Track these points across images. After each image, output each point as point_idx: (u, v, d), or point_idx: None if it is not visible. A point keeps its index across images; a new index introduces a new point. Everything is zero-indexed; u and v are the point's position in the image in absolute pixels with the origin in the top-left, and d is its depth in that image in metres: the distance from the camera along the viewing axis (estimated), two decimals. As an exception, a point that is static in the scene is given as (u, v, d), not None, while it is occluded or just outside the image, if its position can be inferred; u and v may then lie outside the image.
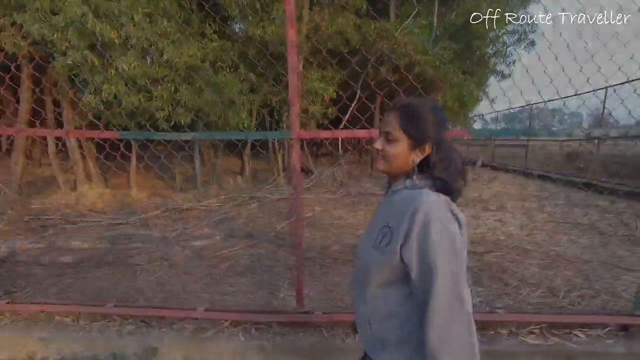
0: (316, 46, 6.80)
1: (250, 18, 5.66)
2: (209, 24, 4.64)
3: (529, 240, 3.91)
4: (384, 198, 0.98)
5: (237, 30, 6.37)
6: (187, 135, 1.83)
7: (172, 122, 4.39)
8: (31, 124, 5.58)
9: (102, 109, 3.65)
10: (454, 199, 0.85)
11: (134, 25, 3.40)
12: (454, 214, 0.81)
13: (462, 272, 0.78)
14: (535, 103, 8.90)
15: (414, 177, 0.87)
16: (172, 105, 4.23)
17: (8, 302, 1.97)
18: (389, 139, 0.89)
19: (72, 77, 3.55)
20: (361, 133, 1.74)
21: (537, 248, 3.65)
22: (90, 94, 3.54)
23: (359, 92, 7.29)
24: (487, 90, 9.53)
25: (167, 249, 3.41)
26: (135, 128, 4.16)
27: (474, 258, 3.42)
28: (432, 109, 0.88)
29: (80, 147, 5.95)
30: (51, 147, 6.12)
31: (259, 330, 1.89)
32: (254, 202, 6.28)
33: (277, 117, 8.08)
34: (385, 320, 0.86)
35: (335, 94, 7.27)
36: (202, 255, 3.59)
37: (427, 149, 0.87)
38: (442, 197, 0.83)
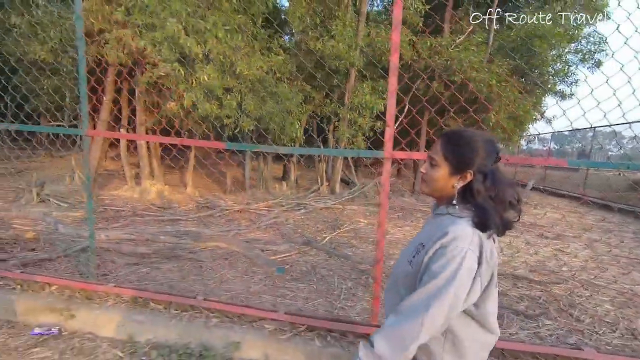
0: (370, 60, 6.94)
1: (310, 33, 5.93)
2: (276, 39, 4.93)
3: (597, 274, 3.66)
4: (429, 218, 1.03)
5: (296, 44, 6.68)
6: (288, 149, 1.99)
7: (238, 129, 4.70)
8: (108, 126, 6.24)
9: (182, 115, 4.03)
10: (495, 232, 0.88)
11: (216, 41, 3.74)
12: (480, 250, 0.84)
13: (448, 299, 0.81)
14: (599, 126, 8.32)
15: (454, 203, 0.91)
16: (237, 113, 4.53)
17: (115, 286, 2.23)
18: (432, 163, 0.95)
19: (160, 86, 3.98)
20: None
21: (609, 284, 3.41)
22: (173, 101, 3.92)
23: (407, 105, 7.29)
24: (544, 109, 9.08)
25: (250, 253, 3.61)
26: (205, 133, 4.52)
27: (538, 288, 3.28)
28: (477, 139, 0.91)
29: (148, 146, 6.51)
30: (123, 145, 6.75)
31: (334, 338, 1.98)
32: (300, 209, 6.47)
33: (324, 128, 8.28)
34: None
35: (383, 107, 7.34)
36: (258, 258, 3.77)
37: (469, 177, 0.90)
38: (476, 232, 0.86)
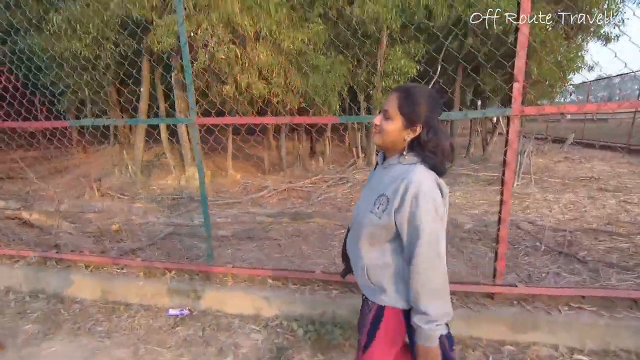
0: (403, 21, 6.58)
1: (342, -2, 5.63)
2: (316, 7, 4.72)
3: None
4: (377, 169, 1.14)
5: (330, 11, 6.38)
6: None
7: (287, 107, 4.66)
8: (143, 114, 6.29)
9: (238, 97, 4.00)
10: (439, 174, 0.99)
11: (267, 17, 3.62)
12: (439, 186, 0.96)
13: (442, 233, 0.95)
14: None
15: (405, 153, 1.01)
16: (284, 90, 4.46)
17: (234, 267, 2.34)
18: (386, 116, 1.02)
19: (212, 69, 3.92)
20: (591, 107, 1.71)
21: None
22: (227, 84, 3.89)
23: (440, 67, 6.99)
24: (585, 57, 8.50)
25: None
26: (254, 114, 4.48)
27: (621, 240, 3.24)
28: (427, 95, 1.00)
29: (188, 134, 6.56)
30: (164, 134, 6.83)
31: (460, 299, 2.03)
32: (344, 183, 6.50)
33: (357, 98, 8.09)
34: (382, 270, 1.04)
35: (416, 71, 7.06)
36: (324, 232, 3.86)
37: (418, 130, 0.99)
38: (431, 173, 0.97)
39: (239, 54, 3.66)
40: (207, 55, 3.65)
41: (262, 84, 4.03)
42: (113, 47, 5.13)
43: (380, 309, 1.05)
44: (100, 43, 5.07)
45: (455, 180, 6.61)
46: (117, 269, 2.59)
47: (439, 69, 7.05)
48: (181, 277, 2.45)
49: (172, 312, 2.24)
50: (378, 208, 0.99)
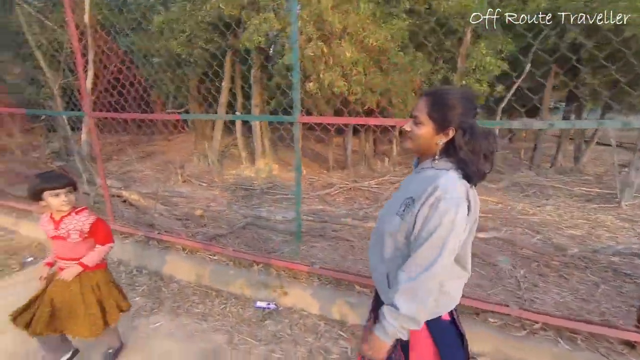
0: (492, 15, 5.99)
1: (428, -9, 5.30)
2: (402, 2, 4.51)
3: None
4: (411, 175, 1.09)
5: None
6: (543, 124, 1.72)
7: (366, 106, 4.55)
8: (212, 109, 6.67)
9: (320, 95, 4.02)
10: (474, 183, 0.95)
11: (354, 14, 3.55)
12: (467, 200, 0.92)
13: (451, 247, 0.90)
14: None
15: (437, 158, 0.97)
16: (363, 89, 4.34)
17: (321, 267, 2.32)
18: (416, 122, 0.99)
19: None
20: None
21: None
22: (310, 82, 3.93)
23: (529, 65, 6.23)
24: None
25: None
26: (330, 113, 4.49)
27: None
28: (459, 97, 0.94)
29: (260, 126, 6.82)
30: (239, 127, 7.20)
31: (586, 341, 1.74)
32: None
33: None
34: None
35: (499, 69, 6.39)
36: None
37: (451, 133, 0.95)
38: (463, 182, 0.93)
39: (325, 51, 3.65)
40: (302, 52, 3.70)
41: (342, 81, 3.97)
42: (203, 44, 5.50)
43: None
44: (192, 41, 5.47)
45: (541, 192, 5.90)
46: (210, 255, 2.76)
47: (527, 68, 6.33)
48: (268, 271, 2.51)
49: (259, 304, 2.30)
50: (403, 210, 0.97)
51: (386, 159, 7.90)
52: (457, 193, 0.90)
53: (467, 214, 0.92)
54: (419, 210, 0.92)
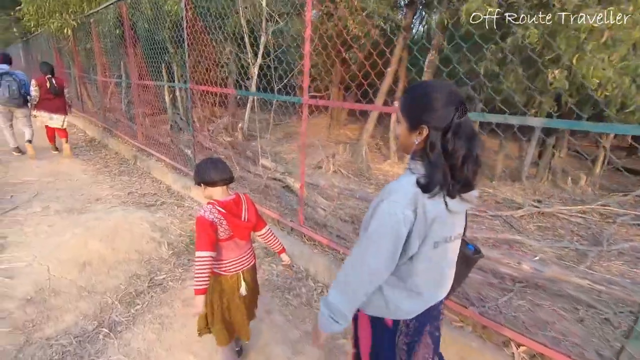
0: None
1: None
2: None
3: None
4: None
5: None
6: None
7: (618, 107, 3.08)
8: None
9: (567, 87, 2.81)
10: (431, 190, 0.85)
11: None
12: (415, 207, 0.86)
13: (375, 251, 0.89)
14: None
15: (410, 158, 0.94)
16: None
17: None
18: (398, 120, 0.97)
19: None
20: None
21: None
22: (558, 69, 2.75)
23: None
24: None
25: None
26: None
27: None
28: (432, 91, 0.87)
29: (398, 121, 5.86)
30: (393, 119, 6.43)
31: None
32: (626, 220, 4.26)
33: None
34: None
35: None
36: None
37: (424, 132, 0.88)
38: (413, 188, 0.87)
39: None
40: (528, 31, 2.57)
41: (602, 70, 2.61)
42: (382, 22, 4.82)
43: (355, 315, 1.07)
44: (370, 17, 4.85)
45: None
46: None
47: None
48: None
49: None
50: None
51: (583, 177, 5.84)
52: (401, 197, 0.86)
53: (414, 221, 0.86)
54: (371, 207, 0.93)
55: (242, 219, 1.43)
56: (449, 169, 0.84)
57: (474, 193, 0.95)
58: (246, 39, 4.89)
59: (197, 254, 1.31)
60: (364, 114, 7.62)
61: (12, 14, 9.31)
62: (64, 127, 5.35)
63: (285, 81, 5.27)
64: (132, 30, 4.91)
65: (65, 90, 5.28)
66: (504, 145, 6.40)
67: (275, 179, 4.70)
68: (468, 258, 1.08)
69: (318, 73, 6.84)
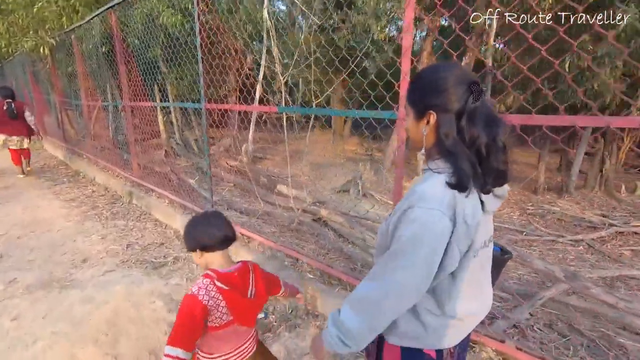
0: None
1: None
2: None
3: None
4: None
5: None
6: None
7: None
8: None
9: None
10: (464, 187, 0.70)
11: None
12: (453, 213, 0.71)
13: (410, 263, 0.72)
14: None
15: (424, 152, 0.81)
16: None
17: None
18: (407, 113, 0.85)
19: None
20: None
21: None
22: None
23: None
24: None
25: None
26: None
27: None
28: (439, 73, 0.74)
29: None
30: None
31: None
32: None
33: None
34: None
35: None
36: None
37: (432, 119, 0.76)
38: (447, 190, 0.71)
39: None
40: None
41: None
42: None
43: (381, 340, 0.88)
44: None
45: None
46: None
47: None
48: None
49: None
50: (390, 216, 0.81)
51: (638, 185, 5.25)
52: (436, 203, 0.70)
53: (452, 229, 0.70)
54: (393, 217, 0.77)
55: (249, 296, 1.11)
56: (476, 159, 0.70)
57: (506, 187, 0.81)
58: (273, 45, 4.15)
59: (167, 349, 0.94)
60: (370, 127, 6.98)
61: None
62: (26, 147, 5.52)
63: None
64: (123, 43, 4.13)
65: (27, 114, 5.40)
66: (543, 156, 5.79)
67: (305, 211, 3.89)
68: (496, 259, 0.91)
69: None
